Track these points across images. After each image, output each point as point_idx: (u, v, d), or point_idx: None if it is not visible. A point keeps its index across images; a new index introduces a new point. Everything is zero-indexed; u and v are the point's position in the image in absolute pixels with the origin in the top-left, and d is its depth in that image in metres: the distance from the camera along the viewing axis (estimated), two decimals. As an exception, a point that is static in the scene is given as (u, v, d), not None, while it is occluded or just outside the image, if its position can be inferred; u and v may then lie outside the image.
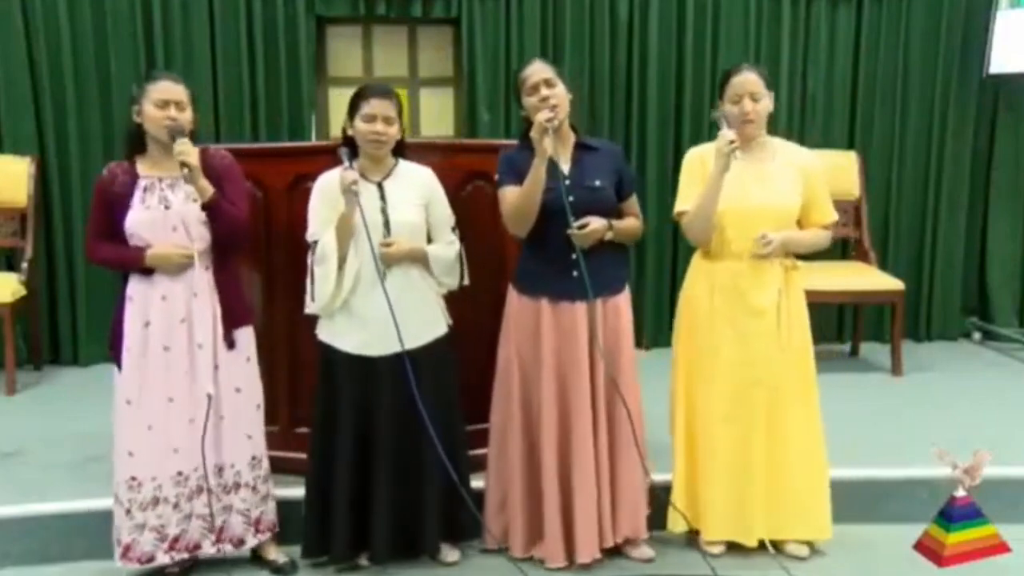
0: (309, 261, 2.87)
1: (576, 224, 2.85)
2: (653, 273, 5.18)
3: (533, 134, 2.81)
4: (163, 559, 2.86)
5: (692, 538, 3.14)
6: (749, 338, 3.00)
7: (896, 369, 4.77)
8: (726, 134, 2.88)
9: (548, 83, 2.90)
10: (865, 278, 4.84)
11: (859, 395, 4.42)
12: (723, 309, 3.01)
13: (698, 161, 3.04)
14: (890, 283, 4.78)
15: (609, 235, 2.94)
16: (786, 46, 5.18)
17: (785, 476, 3.03)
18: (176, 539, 2.86)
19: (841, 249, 5.27)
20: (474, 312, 3.19)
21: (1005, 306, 5.47)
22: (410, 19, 5.14)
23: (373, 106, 2.84)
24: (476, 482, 3.12)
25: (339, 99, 5.28)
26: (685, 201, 3.03)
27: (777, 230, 2.97)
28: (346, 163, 2.80)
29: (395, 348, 2.81)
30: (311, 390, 3.03)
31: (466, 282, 3.02)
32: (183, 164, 2.72)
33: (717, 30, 5.13)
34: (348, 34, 5.29)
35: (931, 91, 5.29)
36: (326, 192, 2.88)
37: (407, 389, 2.78)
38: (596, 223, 2.90)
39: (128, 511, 2.83)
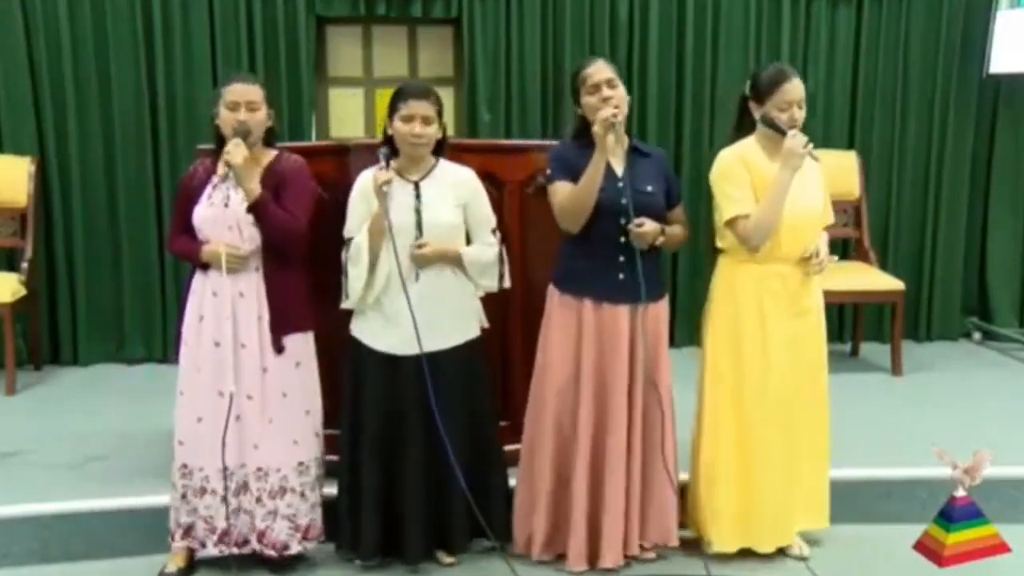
0: (343, 257, 2.89)
1: (635, 222, 2.85)
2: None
3: (596, 130, 2.80)
4: (212, 550, 2.90)
5: (694, 541, 3.12)
6: (799, 339, 2.99)
7: (896, 369, 4.77)
8: (800, 137, 2.85)
9: (610, 83, 2.90)
10: (865, 278, 4.84)
11: (859, 395, 4.42)
12: (774, 312, 2.96)
13: (740, 163, 2.95)
14: (890, 283, 4.78)
15: (660, 240, 2.93)
16: (786, 46, 5.18)
17: (814, 470, 3.05)
18: (225, 532, 2.88)
19: (841, 249, 5.27)
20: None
21: (1005, 306, 5.48)
22: (410, 19, 5.14)
23: (411, 107, 2.84)
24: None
25: (339, 99, 5.29)
26: (739, 205, 2.93)
27: (817, 233, 3.01)
28: (382, 163, 2.81)
29: (424, 348, 2.82)
30: (333, 392, 3.04)
31: (507, 285, 3.00)
32: (226, 163, 2.77)
33: (717, 30, 5.14)
34: (348, 34, 5.29)
35: (931, 91, 5.29)
36: (363, 191, 2.89)
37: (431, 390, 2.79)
38: (652, 224, 2.89)
39: (184, 496, 2.91)
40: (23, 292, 4.52)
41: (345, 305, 2.93)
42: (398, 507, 2.93)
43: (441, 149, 2.96)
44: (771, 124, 2.92)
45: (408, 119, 2.84)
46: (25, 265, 4.59)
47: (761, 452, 2.97)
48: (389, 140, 2.91)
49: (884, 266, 5.12)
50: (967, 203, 5.41)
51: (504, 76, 5.04)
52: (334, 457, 3.05)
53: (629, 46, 5.11)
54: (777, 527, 3.03)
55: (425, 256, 2.83)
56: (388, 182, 2.77)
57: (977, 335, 5.50)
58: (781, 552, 3.08)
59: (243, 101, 2.85)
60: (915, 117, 5.31)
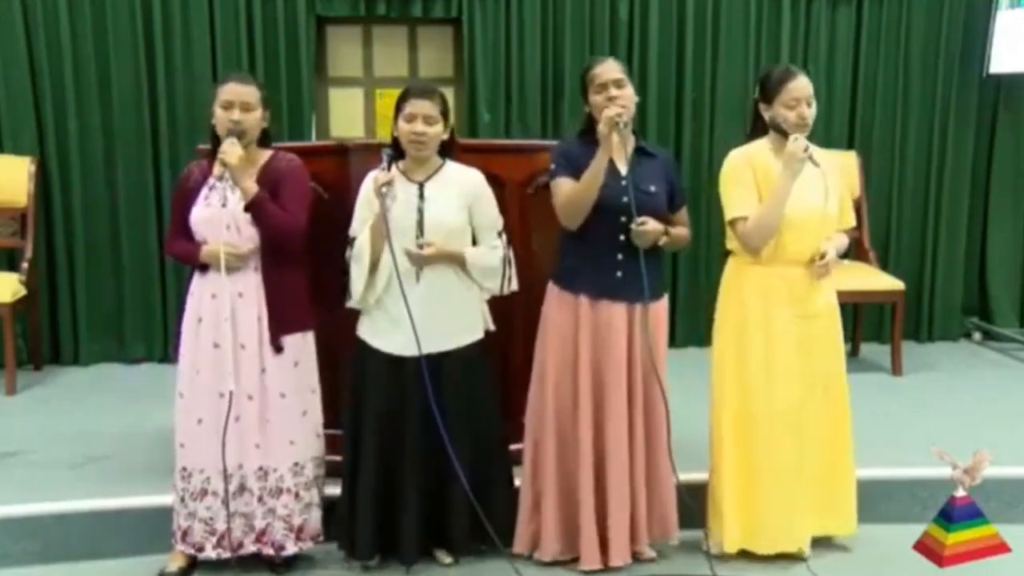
0: (347, 256, 2.90)
1: (637, 221, 2.85)
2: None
3: (601, 128, 2.81)
4: (211, 553, 2.90)
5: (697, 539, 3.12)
6: (809, 343, 2.97)
7: (896, 369, 4.77)
8: (801, 141, 2.84)
9: (617, 83, 2.90)
10: (865, 278, 4.84)
11: (859, 395, 4.36)
12: (780, 315, 2.95)
13: (747, 165, 2.97)
14: (890, 283, 4.78)
15: (663, 240, 2.94)
16: (786, 46, 5.18)
17: (833, 476, 3.04)
18: (223, 536, 2.89)
19: (841, 249, 5.27)
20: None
21: (1005, 306, 5.48)
22: (410, 19, 5.14)
23: (413, 106, 2.83)
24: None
25: (339, 99, 5.29)
26: (741, 206, 2.94)
27: (825, 236, 2.98)
28: (383, 164, 2.81)
29: (425, 349, 2.81)
30: (336, 391, 3.03)
31: (515, 287, 2.98)
32: (220, 163, 2.76)
33: (717, 30, 5.13)
34: (348, 34, 5.29)
35: (931, 91, 5.29)
36: (367, 191, 2.89)
37: (435, 391, 2.78)
38: (654, 224, 2.89)
39: (182, 499, 2.91)
40: (23, 292, 4.51)
41: (349, 304, 2.93)
42: (395, 507, 2.92)
43: (450, 150, 2.95)
44: (776, 127, 2.93)
45: (411, 118, 2.83)
46: (25, 265, 4.59)
47: (765, 456, 2.96)
48: (396, 141, 2.90)
49: (884, 266, 5.12)
50: (967, 203, 5.41)
51: (504, 76, 5.04)
52: (338, 457, 3.05)
53: (629, 46, 5.11)
54: (780, 531, 3.00)
55: (426, 257, 2.83)
56: (388, 184, 2.77)
57: (977, 335, 5.50)
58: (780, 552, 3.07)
59: (238, 101, 2.84)
60: (915, 117, 5.31)
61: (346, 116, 5.30)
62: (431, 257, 2.83)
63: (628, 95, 2.91)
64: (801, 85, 2.91)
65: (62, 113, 4.78)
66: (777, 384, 2.95)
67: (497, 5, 5.00)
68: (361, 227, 2.87)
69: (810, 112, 2.92)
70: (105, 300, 4.90)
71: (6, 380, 4.43)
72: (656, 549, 3.08)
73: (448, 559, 3.03)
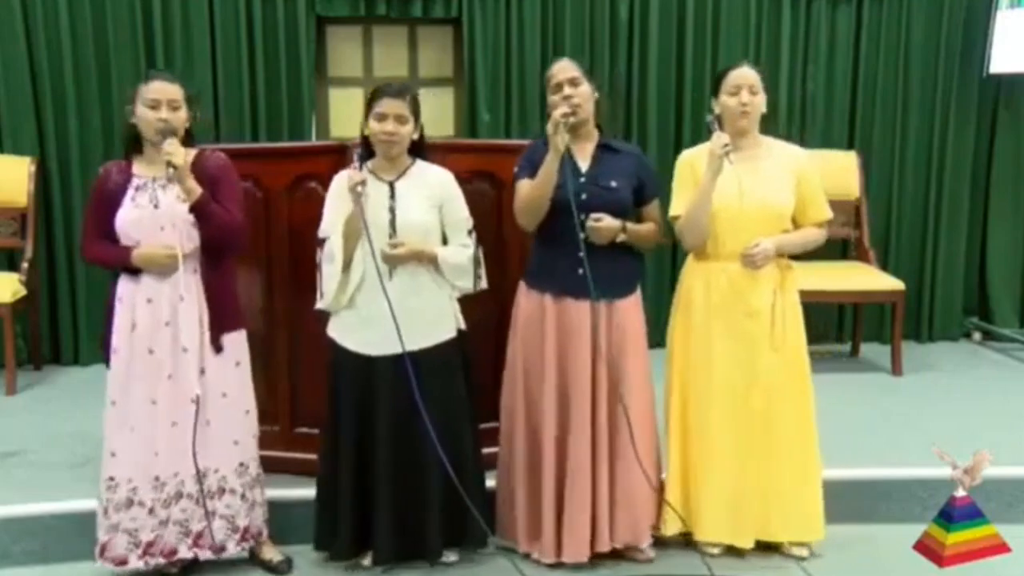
0: (318, 257, 2.88)
1: (592, 217, 2.86)
2: (653, 272, 5.16)
3: (548, 129, 2.83)
4: (137, 563, 2.85)
5: (689, 538, 3.12)
6: (745, 339, 2.98)
7: (896, 369, 4.77)
8: (721, 137, 2.87)
9: (572, 82, 2.90)
10: (865, 278, 4.84)
11: (859, 395, 4.42)
12: (719, 310, 2.99)
13: (688, 165, 3.05)
14: (890, 283, 4.78)
15: (622, 237, 2.94)
16: (786, 46, 5.18)
17: (778, 477, 3.02)
18: (151, 544, 2.84)
19: (841, 249, 5.27)
20: (477, 312, 3.19)
21: (1005, 306, 5.47)
22: (410, 19, 5.14)
23: (385, 105, 2.82)
24: (491, 481, 3.12)
25: (339, 99, 5.29)
26: (677, 205, 3.03)
27: (770, 231, 2.97)
28: (355, 163, 2.81)
29: (396, 348, 2.79)
30: (311, 389, 3.02)
31: (484, 286, 2.99)
32: (168, 164, 2.71)
33: (717, 30, 5.13)
34: (348, 34, 5.29)
35: (931, 91, 5.28)
36: (338, 191, 2.88)
37: (407, 390, 2.77)
38: (610, 220, 2.90)
39: (105, 511, 2.85)
40: (23, 292, 4.51)
41: (319, 306, 2.91)
42: (372, 508, 2.92)
43: (419, 150, 2.95)
44: (708, 128, 2.96)
45: (381, 117, 2.82)
46: (25, 265, 4.59)
47: (701, 445, 3.02)
48: (366, 140, 2.90)
49: (884, 266, 5.12)
50: (967, 203, 5.41)
51: (504, 76, 5.04)
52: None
53: (629, 46, 5.11)
54: (720, 521, 3.02)
55: (398, 256, 2.82)
56: (362, 183, 2.76)
57: (977, 335, 5.49)
58: (778, 551, 3.08)
59: (164, 99, 2.77)
60: (915, 117, 5.31)
61: (346, 116, 5.30)
62: (403, 256, 2.83)
63: (583, 93, 2.91)
64: (742, 73, 2.97)
65: (62, 113, 4.78)
66: (713, 377, 2.99)
67: (497, 5, 5.00)
68: (332, 226, 2.85)
69: (753, 99, 2.94)
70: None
71: (6, 380, 4.43)
72: (652, 549, 3.08)
73: (450, 556, 3.03)
